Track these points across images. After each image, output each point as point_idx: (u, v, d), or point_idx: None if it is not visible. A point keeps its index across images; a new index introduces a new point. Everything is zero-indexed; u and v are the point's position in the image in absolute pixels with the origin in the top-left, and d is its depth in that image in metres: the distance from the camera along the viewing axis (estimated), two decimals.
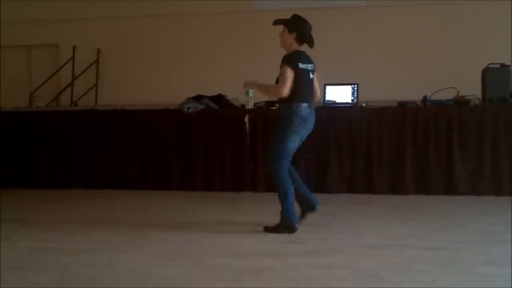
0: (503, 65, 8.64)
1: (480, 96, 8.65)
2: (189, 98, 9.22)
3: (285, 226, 6.10)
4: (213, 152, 8.90)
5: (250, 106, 8.91)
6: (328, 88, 8.76)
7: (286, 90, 6.00)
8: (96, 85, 14.01)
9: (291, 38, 6.22)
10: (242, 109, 9.01)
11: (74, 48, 13.86)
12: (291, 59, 6.11)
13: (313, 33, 6.31)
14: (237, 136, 8.84)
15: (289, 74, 6.01)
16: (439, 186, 8.21)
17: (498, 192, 8.02)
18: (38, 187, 9.23)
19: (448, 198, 7.94)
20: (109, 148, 9.27)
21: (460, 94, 8.65)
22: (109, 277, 4.77)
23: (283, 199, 6.12)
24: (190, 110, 8.93)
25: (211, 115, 9.03)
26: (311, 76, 6.25)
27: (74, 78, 13.88)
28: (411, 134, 8.36)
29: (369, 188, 8.39)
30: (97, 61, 14.00)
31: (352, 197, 8.17)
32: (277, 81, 6.20)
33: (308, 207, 6.37)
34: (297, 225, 6.13)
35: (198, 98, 9.21)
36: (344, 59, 12.06)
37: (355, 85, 8.67)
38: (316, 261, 5.12)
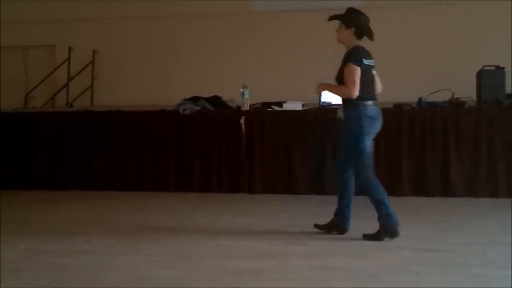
0: (498, 67, 8.67)
1: (475, 98, 8.68)
2: (185, 99, 9.23)
3: (387, 231, 5.86)
4: (209, 153, 8.91)
5: (246, 107, 8.93)
6: None
7: (356, 91, 5.75)
8: (91, 86, 13.99)
9: (349, 33, 5.96)
10: (238, 110, 9.03)
11: (70, 49, 13.83)
12: (356, 56, 5.86)
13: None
14: (233, 137, 8.86)
15: (357, 73, 5.77)
16: (436, 187, 8.24)
17: (495, 194, 8.05)
18: (34, 188, 9.21)
19: (444, 200, 7.97)
20: (105, 149, 9.27)
21: (455, 96, 8.69)
22: (107, 279, 4.78)
23: (379, 205, 5.89)
24: (186, 112, 8.94)
25: (207, 116, 9.04)
26: (374, 72, 6.00)
27: (69, 79, 13.85)
28: (407, 136, 8.38)
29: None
30: (92, 62, 13.98)
31: None
32: (337, 79, 5.98)
33: (339, 225, 6.12)
34: (399, 228, 5.86)
35: (194, 99, 9.22)
36: (340, 60, 12.06)
37: None
38: (314, 262, 5.14)
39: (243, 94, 8.87)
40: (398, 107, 8.58)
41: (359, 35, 5.99)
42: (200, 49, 13.19)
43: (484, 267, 4.97)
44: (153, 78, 13.30)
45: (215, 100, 9.28)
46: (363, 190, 5.99)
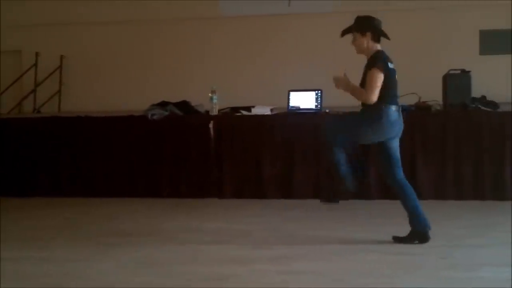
0: (463, 71, 8.77)
1: (441, 102, 8.76)
2: (153, 105, 9.21)
3: (345, 185, 5.94)
4: (178, 158, 8.90)
5: (214, 112, 8.93)
6: (292, 94, 8.81)
7: (374, 97, 5.70)
8: (59, 91, 13.89)
9: (367, 39, 5.94)
10: (207, 115, 9.02)
11: (36, 54, 13.72)
12: (381, 61, 5.84)
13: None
14: (202, 142, 8.85)
15: (379, 78, 5.74)
16: None
17: (461, 197, 8.13)
18: (1, 196, 9.09)
19: None
20: (74, 155, 9.20)
21: (421, 100, 8.75)
22: (75, 286, 4.75)
23: (337, 170, 5.90)
24: (154, 117, 8.92)
25: (176, 121, 9.02)
26: (396, 76, 5.96)
27: (37, 84, 13.74)
28: None
29: (334, 193, 8.43)
30: (60, 68, 13.88)
31: (317, 203, 8.13)
32: (362, 84, 5.91)
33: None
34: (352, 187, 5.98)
35: (163, 105, 9.20)
36: (308, 65, 12.14)
37: (319, 91, 8.73)
38: (282, 267, 5.14)
39: (211, 99, 8.87)
40: None
41: (376, 38, 5.99)
42: (168, 54, 13.18)
43: (451, 269, 5.00)
44: (121, 83, 13.26)
45: (184, 105, 9.26)
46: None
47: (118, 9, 13.26)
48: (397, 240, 5.94)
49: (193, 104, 9.33)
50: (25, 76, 13.87)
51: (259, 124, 8.77)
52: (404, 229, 6.48)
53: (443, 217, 7.15)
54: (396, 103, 5.89)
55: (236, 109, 9.10)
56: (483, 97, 8.82)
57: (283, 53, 12.27)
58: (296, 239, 6.17)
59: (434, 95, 8.77)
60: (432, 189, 8.24)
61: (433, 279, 4.73)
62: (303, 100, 8.78)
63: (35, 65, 13.80)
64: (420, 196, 8.07)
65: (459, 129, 8.31)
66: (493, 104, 8.68)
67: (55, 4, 13.41)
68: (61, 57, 13.84)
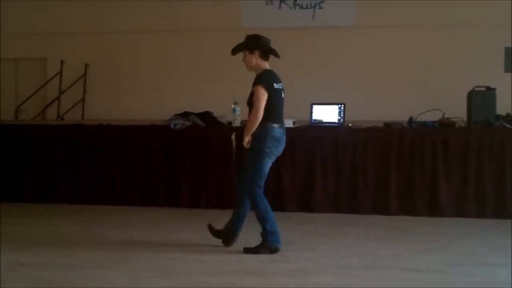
0: (488, 88, 8.70)
1: (465, 119, 8.69)
2: (176, 115, 9.22)
3: (266, 246, 6.05)
4: (199, 169, 8.89)
5: (237, 123, 8.91)
6: (315, 107, 8.78)
7: (261, 112, 5.95)
8: (83, 99, 13.99)
9: (255, 57, 6.16)
10: (229, 126, 9.00)
11: (62, 62, 13.84)
12: (265, 79, 6.05)
13: (278, 49, 6.23)
14: (224, 153, 8.83)
15: (263, 95, 5.96)
16: (424, 207, 8.21)
17: (482, 215, 8.04)
18: (23, 201, 9.15)
19: (432, 220, 7.95)
20: (95, 163, 9.23)
21: (446, 116, 8.69)
22: None
23: (264, 220, 6.05)
24: (177, 127, 8.93)
25: (197, 132, 9.02)
26: (283, 95, 6.22)
27: (61, 92, 13.85)
28: (396, 155, 8.37)
29: (354, 208, 8.39)
30: (84, 76, 13.99)
31: (336, 217, 8.16)
32: (248, 103, 6.16)
33: (229, 234, 6.31)
34: (279, 245, 6.07)
35: (185, 115, 9.21)
36: (331, 79, 12.12)
37: (342, 105, 8.70)
38: (300, 280, 5.12)
39: (234, 110, 8.85)
40: (388, 126, 8.58)
41: (264, 56, 6.19)
42: (191, 64, 13.25)
43: None
44: (144, 92, 13.33)
45: (206, 116, 9.26)
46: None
47: (142, 19, 13.36)
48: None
49: (215, 115, 9.33)
50: (49, 83, 13.97)
51: None
52: (425, 246, 6.43)
53: (464, 235, 7.08)
54: (279, 122, 6.12)
55: None
56: (508, 114, 8.74)
57: (306, 65, 12.26)
58: (314, 253, 6.13)
59: (459, 111, 8.70)
60: (453, 206, 8.16)
61: None
62: (326, 113, 8.75)
63: (60, 73, 13.91)
64: (442, 213, 8.10)
65: (482, 146, 8.23)
66: None
67: (81, 13, 13.55)
68: (86, 65, 13.94)
